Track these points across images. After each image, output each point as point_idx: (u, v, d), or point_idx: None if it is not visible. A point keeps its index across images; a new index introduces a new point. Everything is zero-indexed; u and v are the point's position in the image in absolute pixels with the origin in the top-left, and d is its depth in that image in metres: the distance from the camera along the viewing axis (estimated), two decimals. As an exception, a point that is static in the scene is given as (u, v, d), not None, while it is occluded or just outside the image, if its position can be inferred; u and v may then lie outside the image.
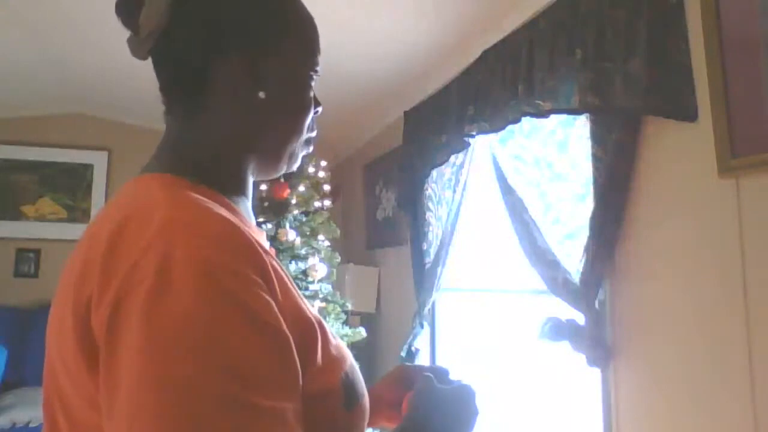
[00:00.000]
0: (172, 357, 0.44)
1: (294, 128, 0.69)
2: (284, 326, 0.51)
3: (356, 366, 0.65)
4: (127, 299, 0.47)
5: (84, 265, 0.52)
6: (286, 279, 0.58)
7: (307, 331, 0.56)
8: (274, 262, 0.57)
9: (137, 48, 0.64)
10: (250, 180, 0.69)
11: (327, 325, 0.62)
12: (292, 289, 0.59)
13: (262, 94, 0.65)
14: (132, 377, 0.44)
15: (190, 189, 0.58)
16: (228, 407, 0.44)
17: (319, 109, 0.73)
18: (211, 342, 0.45)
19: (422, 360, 2.81)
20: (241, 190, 0.67)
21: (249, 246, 0.52)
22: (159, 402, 0.43)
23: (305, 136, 0.71)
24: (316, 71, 0.71)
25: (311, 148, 0.75)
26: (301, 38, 0.69)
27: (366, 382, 0.66)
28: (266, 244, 0.65)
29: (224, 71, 0.64)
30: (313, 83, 0.71)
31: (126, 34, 0.65)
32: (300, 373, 0.52)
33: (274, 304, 0.51)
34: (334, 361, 0.59)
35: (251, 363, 0.47)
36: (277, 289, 0.53)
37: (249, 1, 0.65)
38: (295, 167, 0.74)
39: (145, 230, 0.50)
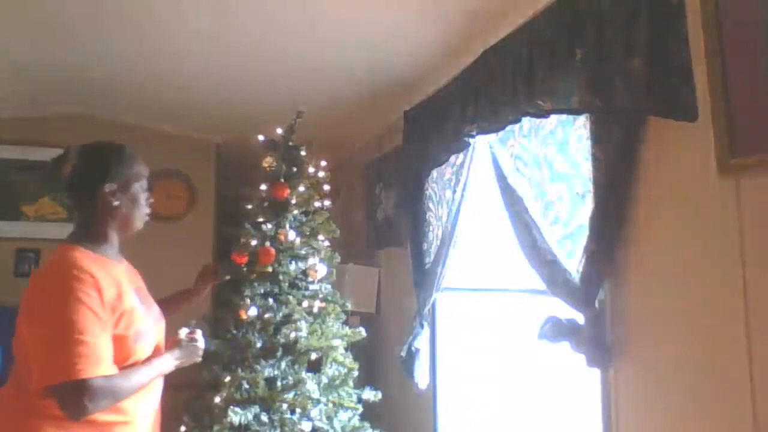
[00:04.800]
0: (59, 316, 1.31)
1: (132, 219, 1.51)
2: (97, 303, 1.31)
3: (142, 331, 1.43)
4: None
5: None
6: (114, 287, 1.39)
7: (122, 313, 1.38)
8: (102, 277, 1.36)
9: (55, 176, 1.47)
10: (116, 240, 1.50)
11: (138, 314, 1.43)
12: (123, 292, 1.41)
13: (116, 204, 1.46)
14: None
15: (81, 250, 1.39)
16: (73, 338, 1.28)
17: (151, 200, 1.58)
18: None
19: (423, 360, 2.81)
20: (107, 245, 1.47)
21: (84, 270, 1.33)
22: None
23: (144, 216, 1.55)
24: (147, 184, 1.55)
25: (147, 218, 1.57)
26: (138, 173, 1.53)
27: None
28: (117, 271, 1.46)
29: (100, 194, 1.44)
30: (144, 191, 1.54)
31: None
32: (107, 324, 1.33)
33: (95, 294, 1.32)
34: (128, 327, 1.39)
35: (73, 317, 1.27)
36: (102, 289, 1.33)
37: (109, 161, 1.48)
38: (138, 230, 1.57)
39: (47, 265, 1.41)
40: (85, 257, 1.37)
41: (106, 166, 1.46)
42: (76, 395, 1.23)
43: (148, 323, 1.48)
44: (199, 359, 1.65)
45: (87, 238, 1.44)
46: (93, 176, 1.45)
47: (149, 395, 1.47)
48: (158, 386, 1.53)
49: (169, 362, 1.52)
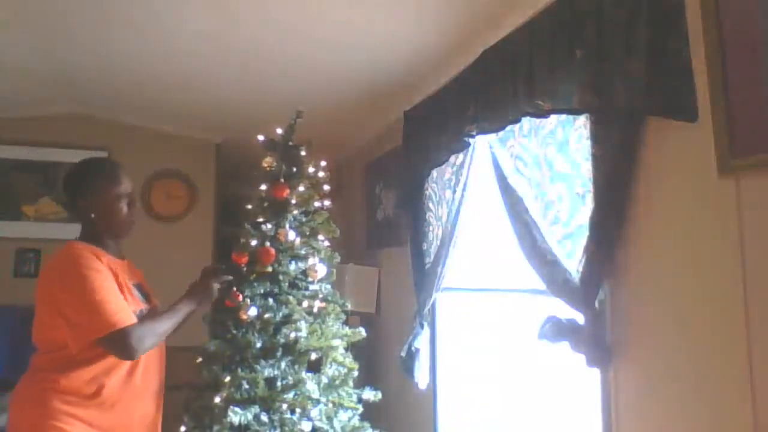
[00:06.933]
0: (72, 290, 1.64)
1: (111, 228, 1.77)
2: (105, 271, 1.65)
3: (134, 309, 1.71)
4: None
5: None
6: (117, 274, 1.70)
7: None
8: (110, 266, 1.70)
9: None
10: (108, 241, 1.77)
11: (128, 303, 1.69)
12: (120, 282, 1.69)
13: (93, 215, 1.73)
14: None
15: (82, 244, 1.70)
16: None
17: (134, 208, 1.81)
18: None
19: (423, 360, 2.81)
20: (104, 244, 1.75)
21: (93, 254, 1.66)
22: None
23: (124, 223, 1.78)
24: (121, 195, 1.77)
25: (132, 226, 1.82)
26: (108, 187, 1.75)
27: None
28: (115, 265, 1.73)
29: (82, 205, 1.74)
30: (123, 200, 1.77)
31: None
32: (118, 291, 1.66)
33: (101, 266, 1.65)
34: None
35: (95, 284, 1.60)
36: (110, 267, 1.69)
37: (84, 179, 1.75)
38: (127, 234, 1.82)
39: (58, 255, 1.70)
40: (86, 249, 1.67)
41: (80, 184, 1.75)
42: (122, 341, 1.56)
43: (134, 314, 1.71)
44: (215, 296, 1.98)
45: (86, 239, 1.75)
46: (72, 193, 1.76)
47: (148, 392, 1.76)
48: (155, 384, 1.79)
49: (187, 303, 1.83)
